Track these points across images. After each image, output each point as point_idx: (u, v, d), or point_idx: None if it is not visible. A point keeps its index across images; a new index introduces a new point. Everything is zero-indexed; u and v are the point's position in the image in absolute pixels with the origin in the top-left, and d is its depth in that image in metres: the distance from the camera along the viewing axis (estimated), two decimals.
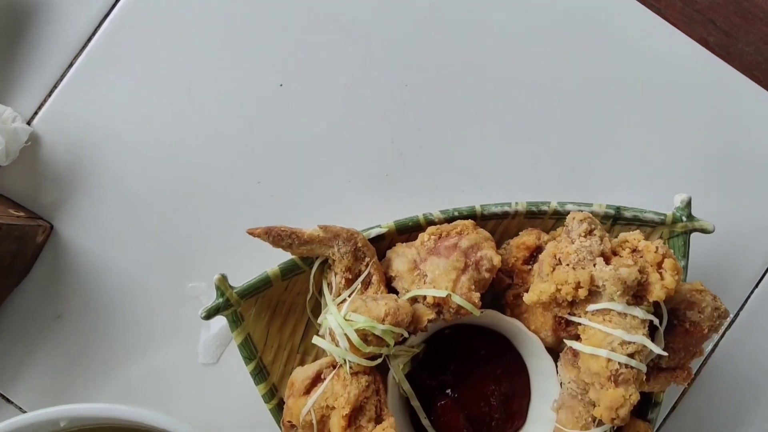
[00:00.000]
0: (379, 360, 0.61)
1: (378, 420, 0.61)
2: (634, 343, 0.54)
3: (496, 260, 0.61)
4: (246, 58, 0.74)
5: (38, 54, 0.74)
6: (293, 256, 0.65)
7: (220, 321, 0.73)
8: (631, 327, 0.55)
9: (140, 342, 0.73)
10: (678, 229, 0.65)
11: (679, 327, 0.58)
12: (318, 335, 0.62)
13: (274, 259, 0.65)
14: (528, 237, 0.66)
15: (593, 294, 0.56)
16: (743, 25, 0.76)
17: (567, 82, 0.74)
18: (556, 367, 0.64)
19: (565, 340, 0.60)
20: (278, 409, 0.65)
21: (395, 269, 0.64)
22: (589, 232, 0.57)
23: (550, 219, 0.67)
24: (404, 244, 0.65)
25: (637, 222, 0.66)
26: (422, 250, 0.63)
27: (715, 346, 0.73)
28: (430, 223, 0.66)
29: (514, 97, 0.75)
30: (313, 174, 0.74)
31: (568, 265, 0.56)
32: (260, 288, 0.65)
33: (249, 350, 0.65)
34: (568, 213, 0.64)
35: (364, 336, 0.58)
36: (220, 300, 0.63)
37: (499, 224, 0.68)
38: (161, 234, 0.73)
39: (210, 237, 0.73)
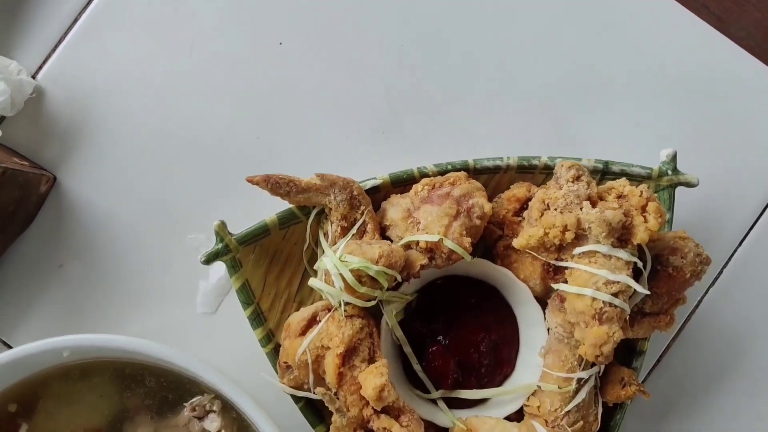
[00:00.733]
0: (373, 302, 0.63)
1: (371, 361, 0.63)
2: (618, 282, 0.56)
3: (487, 208, 0.63)
4: (246, 17, 0.76)
5: (43, 9, 0.75)
6: (291, 206, 0.67)
7: (219, 271, 0.74)
8: (615, 268, 0.57)
9: (140, 292, 0.75)
10: (664, 183, 0.67)
11: (663, 272, 0.61)
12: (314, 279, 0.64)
13: (272, 210, 0.67)
14: (519, 189, 0.68)
15: (580, 237, 0.58)
16: (736, 11, 0.78)
17: (558, 44, 0.77)
18: (544, 315, 0.67)
19: (552, 285, 0.62)
20: (274, 353, 0.67)
21: (389, 218, 0.66)
22: (577, 178, 0.59)
23: (540, 174, 0.69)
24: (398, 195, 0.67)
25: (624, 176, 0.68)
26: (416, 199, 0.65)
27: (700, 301, 0.75)
28: (424, 175, 0.68)
29: (507, 59, 0.77)
30: (311, 130, 0.76)
31: (556, 209, 0.59)
32: (258, 235, 0.67)
33: (247, 295, 0.67)
34: None
35: (359, 277, 0.60)
36: (220, 246, 0.65)
37: (491, 179, 0.70)
38: (161, 187, 0.75)
39: (209, 190, 0.75)
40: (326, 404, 0.60)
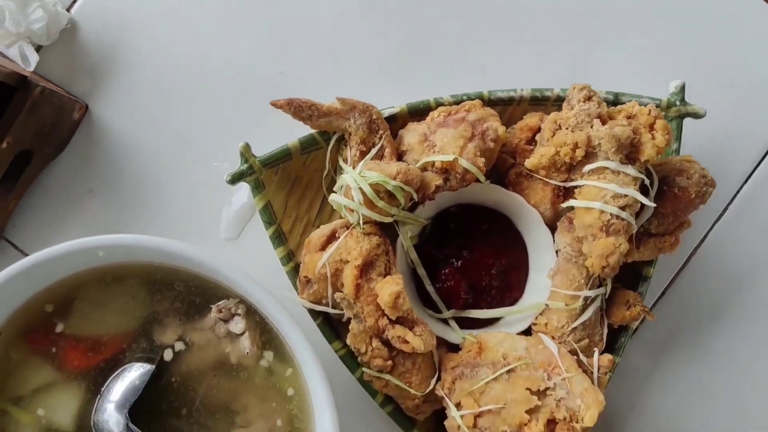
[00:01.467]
0: (391, 219, 0.66)
1: (387, 276, 0.66)
2: (625, 196, 0.59)
3: (501, 131, 0.66)
4: None
5: None
6: (312, 131, 0.70)
7: (241, 199, 0.78)
8: (623, 183, 0.59)
9: (165, 218, 0.78)
10: (672, 113, 0.69)
11: (669, 192, 0.63)
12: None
13: (294, 137, 0.70)
14: (531, 119, 0.70)
15: (589, 155, 0.61)
16: None
17: None
18: (553, 239, 0.69)
19: (562, 205, 0.65)
20: (294, 272, 0.70)
21: (406, 143, 0.69)
22: (588, 98, 0.61)
23: (553, 105, 0.72)
24: (415, 123, 0.70)
25: None
26: (432, 124, 0.68)
27: (705, 235, 0.78)
28: (440, 105, 0.71)
29: None
30: (332, 64, 0.79)
31: (567, 128, 0.61)
32: (281, 159, 0.70)
33: (269, 216, 0.70)
34: None
35: (377, 192, 0.63)
36: (244, 166, 0.68)
37: (504, 111, 0.73)
38: (188, 117, 0.78)
39: (233, 121, 0.78)
40: (344, 309, 0.63)
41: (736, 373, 0.78)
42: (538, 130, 0.70)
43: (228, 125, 0.79)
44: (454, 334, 0.70)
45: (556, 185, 0.66)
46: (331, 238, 0.67)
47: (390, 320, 0.64)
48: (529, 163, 0.63)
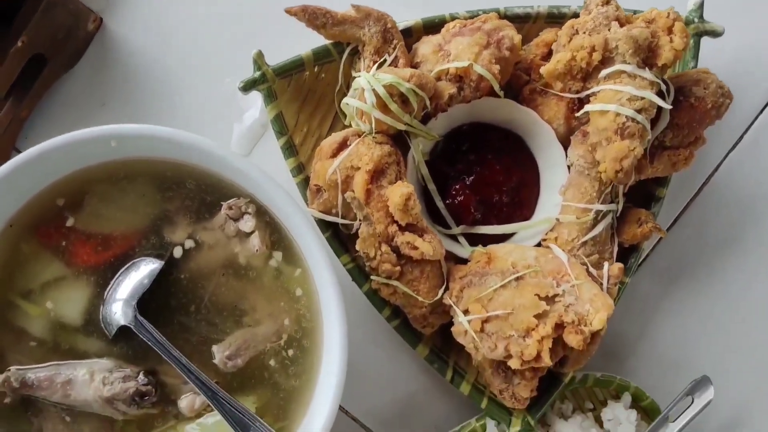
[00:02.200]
0: (403, 126, 0.65)
1: None
2: (641, 98, 0.58)
3: (517, 39, 0.65)
4: None
5: None
6: (326, 42, 0.70)
7: (253, 115, 0.77)
8: (639, 86, 0.59)
9: None
10: (690, 31, 0.68)
11: (685, 102, 0.62)
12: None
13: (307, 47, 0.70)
14: (547, 35, 0.70)
15: (606, 60, 0.60)
16: None
17: None
18: (566, 156, 0.69)
19: (577, 114, 0.64)
20: (304, 184, 0.70)
21: (420, 54, 0.68)
22: (606, 2, 0.60)
23: None
24: (430, 35, 0.70)
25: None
26: (447, 35, 0.68)
27: (720, 164, 0.77)
28: (455, 19, 0.70)
29: None
30: None
31: (584, 32, 0.60)
32: (294, 69, 0.69)
33: (280, 126, 0.70)
34: None
35: (390, 95, 0.63)
36: (257, 74, 0.68)
37: (521, 28, 0.72)
38: (201, 33, 0.78)
39: (247, 36, 0.78)
40: (354, 210, 0.63)
41: (749, 304, 0.77)
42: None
43: (241, 40, 0.78)
44: (463, 250, 0.70)
45: (570, 99, 0.66)
46: (343, 145, 0.67)
47: (399, 227, 0.64)
48: (545, 70, 0.63)
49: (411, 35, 0.71)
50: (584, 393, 0.73)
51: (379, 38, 0.67)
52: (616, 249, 0.68)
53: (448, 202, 0.71)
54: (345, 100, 0.66)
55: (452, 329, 0.65)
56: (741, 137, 0.76)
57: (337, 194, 0.66)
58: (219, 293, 0.62)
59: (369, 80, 0.63)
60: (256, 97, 0.74)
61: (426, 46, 0.68)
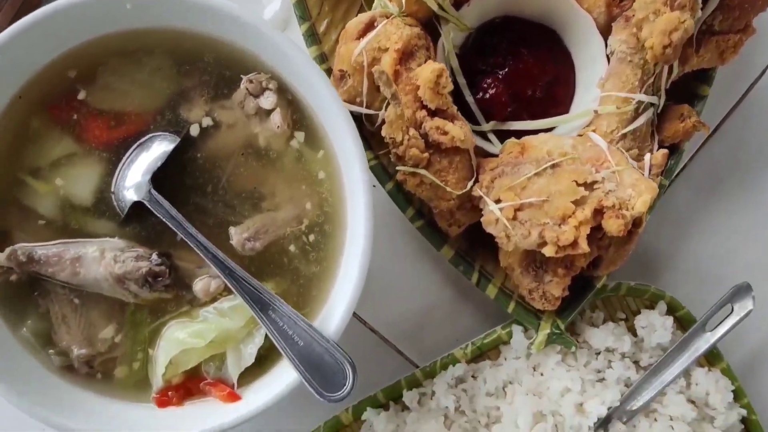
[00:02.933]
0: (435, 5, 0.61)
1: None
2: None
3: None
4: None
5: None
6: None
7: (275, 7, 0.73)
8: None
9: None
10: None
11: None
12: None
13: None
14: None
15: None
16: None
17: None
18: (606, 47, 0.65)
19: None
20: (326, 74, 0.66)
21: None
22: None
23: None
24: None
25: None
26: None
27: (763, 72, 0.73)
28: None
29: None
30: None
31: None
32: None
33: (303, 10, 0.67)
34: None
35: None
36: None
37: None
38: None
39: None
40: (381, 87, 0.59)
41: None
42: None
43: None
44: (493, 147, 0.66)
45: None
46: (369, 26, 0.63)
47: (429, 112, 0.60)
48: None
49: None
50: (616, 303, 0.70)
51: None
52: (656, 147, 0.65)
53: (478, 96, 0.67)
54: None
55: (482, 219, 0.61)
56: None
57: (362, 79, 0.62)
58: (237, 174, 0.59)
59: None
60: None
61: None
